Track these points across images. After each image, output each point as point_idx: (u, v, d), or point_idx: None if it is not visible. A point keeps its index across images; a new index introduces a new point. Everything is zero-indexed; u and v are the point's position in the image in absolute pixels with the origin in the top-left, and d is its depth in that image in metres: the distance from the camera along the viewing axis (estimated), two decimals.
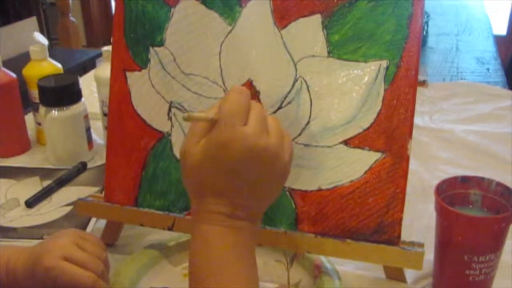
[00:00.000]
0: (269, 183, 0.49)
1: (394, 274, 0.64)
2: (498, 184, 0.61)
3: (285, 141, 0.49)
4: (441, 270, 0.61)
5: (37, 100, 0.92)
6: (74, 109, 0.90)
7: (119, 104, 0.66)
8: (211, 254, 0.48)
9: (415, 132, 0.58)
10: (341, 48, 0.59)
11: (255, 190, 0.48)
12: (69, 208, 0.80)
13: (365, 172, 0.59)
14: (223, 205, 0.48)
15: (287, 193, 0.61)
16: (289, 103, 0.60)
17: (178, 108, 0.64)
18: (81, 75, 1.10)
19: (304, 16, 0.60)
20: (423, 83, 1.22)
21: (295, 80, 0.60)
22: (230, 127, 0.46)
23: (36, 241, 0.62)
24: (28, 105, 1.00)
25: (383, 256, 0.58)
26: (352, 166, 0.59)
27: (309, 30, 0.60)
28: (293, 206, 0.61)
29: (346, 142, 0.59)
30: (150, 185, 0.65)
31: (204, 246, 0.48)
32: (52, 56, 0.99)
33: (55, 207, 0.81)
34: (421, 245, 0.58)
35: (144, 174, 0.66)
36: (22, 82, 0.96)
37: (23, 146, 1.00)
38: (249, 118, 0.47)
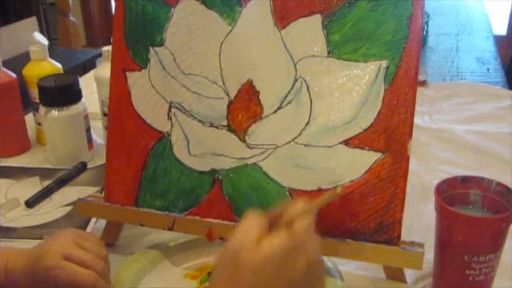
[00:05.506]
0: None
1: (394, 274, 0.64)
2: (498, 184, 0.61)
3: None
4: (441, 270, 0.61)
5: (37, 100, 0.92)
6: (74, 109, 0.90)
7: (119, 104, 0.66)
8: None
9: (415, 132, 0.58)
10: (341, 48, 0.59)
11: None
12: (69, 208, 0.80)
13: (365, 172, 0.58)
14: None
15: (287, 193, 0.61)
16: (289, 103, 0.60)
17: (178, 108, 0.64)
18: (81, 75, 1.10)
19: (304, 16, 0.60)
20: (423, 83, 1.24)
21: (295, 80, 0.60)
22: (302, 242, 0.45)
23: (36, 241, 0.62)
24: (28, 105, 1.00)
25: (383, 256, 0.58)
26: (352, 166, 0.59)
27: (309, 30, 0.60)
28: None
29: (346, 142, 0.59)
30: (150, 185, 0.65)
31: None
32: (52, 56, 0.99)
33: (55, 207, 0.81)
34: (421, 245, 0.58)
35: (144, 174, 0.66)
36: (22, 82, 0.96)
37: (23, 146, 1.00)
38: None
